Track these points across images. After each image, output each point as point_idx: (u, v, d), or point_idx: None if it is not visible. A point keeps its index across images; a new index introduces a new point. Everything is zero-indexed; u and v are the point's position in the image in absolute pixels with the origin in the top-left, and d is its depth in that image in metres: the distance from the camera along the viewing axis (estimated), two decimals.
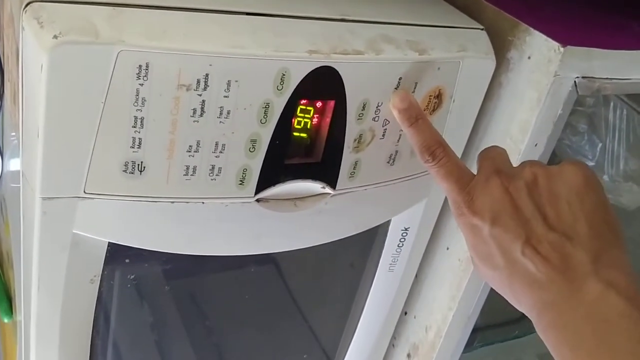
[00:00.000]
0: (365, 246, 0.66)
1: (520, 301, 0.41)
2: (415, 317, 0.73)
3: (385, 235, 0.64)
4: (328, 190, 0.52)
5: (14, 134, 0.55)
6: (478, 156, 0.46)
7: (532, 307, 0.39)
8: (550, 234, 0.39)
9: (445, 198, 0.64)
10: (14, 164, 0.60)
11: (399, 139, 0.53)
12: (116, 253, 0.49)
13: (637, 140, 0.69)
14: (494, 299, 0.67)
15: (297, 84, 0.45)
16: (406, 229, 0.63)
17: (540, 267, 0.39)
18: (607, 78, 0.56)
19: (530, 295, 0.39)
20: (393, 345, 0.77)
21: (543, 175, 0.41)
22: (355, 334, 0.72)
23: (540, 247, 0.39)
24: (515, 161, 0.57)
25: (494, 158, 0.45)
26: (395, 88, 0.50)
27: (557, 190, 0.40)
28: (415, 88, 0.51)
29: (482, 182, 0.43)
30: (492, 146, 0.47)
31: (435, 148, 0.45)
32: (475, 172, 0.45)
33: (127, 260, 0.52)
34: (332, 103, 0.48)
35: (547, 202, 0.40)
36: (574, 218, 0.39)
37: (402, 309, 0.73)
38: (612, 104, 0.68)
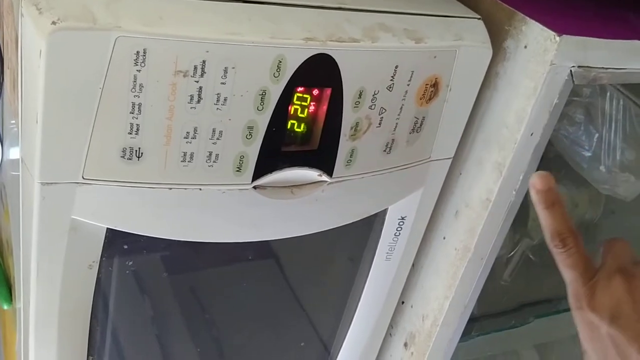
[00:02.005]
0: (362, 235, 0.66)
1: None
2: (412, 306, 0.74)
3: (382, 224, 0.64)
4: (325, 177, 0.53)
5: (13, 121, 0.55)
6: (603, 246, 0.47)
7: None
8: None
9: (442, 187, 0.64)
10: (13, 153, 0.60)
11: (395, 127, 0.54)
12: (114, 239, 0.49)
13: (633, 131, 0.70)
14: (490, 289, 0.68)
15: (293, 71, 0.46)
16: (403, 218, 0.64)
17: None
18: (602, 67, 0.57)
19: None
20: (390, 334, 0.78)
21: None
22: (353, 323, 0.72)
23: None
24: (510, 150, 0.58)
25: (619, 254, 0.45)
26: (392, 76, 0.50)
27: None
28: (411, 76, 0.51)
29: (605, 280, 0.43)
30: (618, 239, 0.48)
31: (567, 236, 0.46)
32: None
33: (125, 247, 0.52)
34: (328, 91, 0.49)
35: None
36: None
37: (399, 298, 0.73)
38: (608, 94, 0.68)
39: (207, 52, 0.42)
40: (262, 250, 0.64)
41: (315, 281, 0.73)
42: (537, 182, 0.49)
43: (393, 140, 0.54)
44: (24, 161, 0.46)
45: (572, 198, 0.82)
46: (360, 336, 0.74)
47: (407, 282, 0.72)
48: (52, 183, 0.44)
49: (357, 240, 0.67)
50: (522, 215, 0.73)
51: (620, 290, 0.42)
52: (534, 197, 0.49)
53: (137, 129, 0.44)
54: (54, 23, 0.39)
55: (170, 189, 0.47)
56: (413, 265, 0.70)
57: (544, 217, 0.48)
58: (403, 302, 0.75)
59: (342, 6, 0.49)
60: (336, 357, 0.76)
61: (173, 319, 0.66)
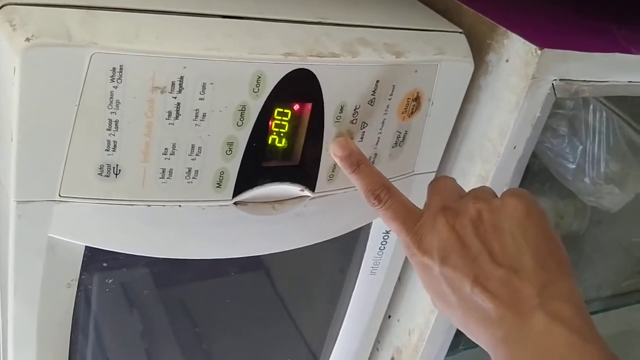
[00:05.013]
0: (347, 250, 0.66)
1: (477, 337, 0.41)
2: (398, 321, 0.73)
3: (367, 239, 0.64)
4: (307, 192, 0.52)
5: None
6: (427, 188, 0.47)
7: (488, 343, 0.40)
8: (497, 269, 0.39)
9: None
10: None
11: (378, 141, 0.53)
12: (94, 257, 0.49)
13: (617, 143, 0.70)
14: None
15: (273, 87, 0.46)
16: (387, 232, 0.63)
17: (490, 304, 0.39)
18: (584, 80, 0.57)
19: (484, 332, 0.39)
20: (377, 348, 0.77)
21: (486, 210, 0.42)
22: (339, 337, 0.72)
23: (488, 284, 0.39)
24: (493, 163, 0.57)
25: (441, 192, 0.45)
26: (373, 91, 0.50)
27: (501, 224, 0.41)
28: (392, 91, 0.51)
29: (430, 221, 0.43)
30: (441, 178, 0.48)
31: (380, 191, 0.46)
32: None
33: (105, 264, 0.52)
34: (309, 106, 0.48)
35: (492, 237, 0.41)
36: (518, 251, 0.40)
37: (386, 313, 0.73)
38: (591, 106, 0.68)
39: (185, 68, 0.42)
40: (250, 261, 0.63)
41: (303, 293, 0.73)
42: (336, 149, 0.49)
43: (375, 154, 0.54)
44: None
45: (558, 210, 0.82)
46: (347, 350, 0.73)
47: (393, 296, 0.71)
48: (28, 201, 0.43)
49: (343, 254, 0.67)
50: None
51: (446, 229, 0.42)
52: (339, 163, 0.50)
53: (115, 146, 0.43)
54: (28, 39, 0.38)
55: (149, 205, 0.46)
56: (399, 279, 0.70)
57: (354, 181, 0.48)
58: (390, 316, 0.74)
59: (322, 21, 0.49)
60: None
61: (158, 333, 0.65)
